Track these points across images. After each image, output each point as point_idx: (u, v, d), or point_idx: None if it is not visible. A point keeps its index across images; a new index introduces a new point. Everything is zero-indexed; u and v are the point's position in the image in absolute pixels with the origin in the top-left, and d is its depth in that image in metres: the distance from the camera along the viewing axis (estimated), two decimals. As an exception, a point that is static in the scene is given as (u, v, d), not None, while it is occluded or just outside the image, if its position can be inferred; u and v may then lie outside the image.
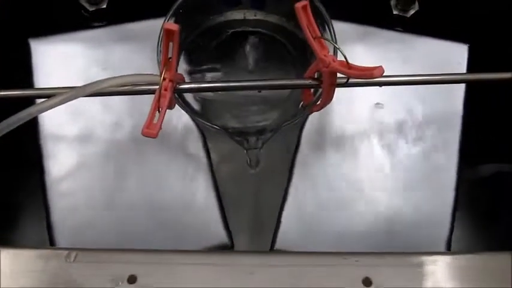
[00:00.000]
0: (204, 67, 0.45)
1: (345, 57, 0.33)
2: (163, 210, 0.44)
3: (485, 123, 0.48)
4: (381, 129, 0.46)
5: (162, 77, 0.33)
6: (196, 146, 0.45)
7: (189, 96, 0.41)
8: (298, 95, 0.41)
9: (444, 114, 0.47)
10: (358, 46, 0.49)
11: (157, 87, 0.34)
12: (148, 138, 0.32)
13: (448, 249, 0.43)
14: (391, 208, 0.44)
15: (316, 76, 0.37)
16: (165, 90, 0.34)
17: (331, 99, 0.37)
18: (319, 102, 0.38)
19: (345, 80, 0.36)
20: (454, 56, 0.49)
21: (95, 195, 0.44)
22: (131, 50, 0.48)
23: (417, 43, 0.49)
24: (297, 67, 0.44)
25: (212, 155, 0.46)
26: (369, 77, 0.32)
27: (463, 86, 0.47)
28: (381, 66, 0.32)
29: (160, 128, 0.32)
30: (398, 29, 0.50)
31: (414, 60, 0.49)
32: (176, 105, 0.38)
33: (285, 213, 0.44)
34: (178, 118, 0.45)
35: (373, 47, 0.49)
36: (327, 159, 0.45)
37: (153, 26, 0.43)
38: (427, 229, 0.44)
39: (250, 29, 0.46)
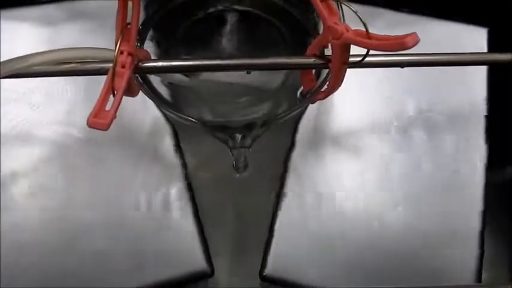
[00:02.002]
0: (176, 51, 0.36)
1: (364, 24, 0.25)
2: (125, 229, 0.35)
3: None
4: (393, 127, 0.38)
5: (117, 49, 0.24)
6: (166, 147, 0.37)
7: (157, 82, 0.32)
8: (295, 81, 0.32)
9: (464, 107, 0.39)
10: (362, 29, 0.41)
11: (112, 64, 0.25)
12: (99, 131, 0.24)
13: (479, 274, 0.35)
14: (406, 224, 0.36)
15: (321, 53, 0.28)
16: (123, 67, 0.25)
17: (340, 84, 0.28)
18: (324, 87, 0.30)
19: (360, 58, 0.27)
20: (472, 40, 0.42)
21: (36, 211, 0.34)
22: (86, 30, 0.39)
23: (429, 26, 0.42)
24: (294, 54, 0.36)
25: (187, 159, 0.37)
26: (399, 49, 0.24)
27: (484, 74, 0.40)
28: (414, 33, 0.24)
29: (115, 116, 0.23)
30: (407, 10, 0.43)
31: (427, 45, 0.41)
32: (141, 93, 0.30)
33: (276, 231, 0.36)
34: (143, 111, 0.36)
35: (380, 30, 0.41)
36: (328, 164, 0.37)
37: (113, 3, 0.35)
38: (450, 248, 0.36)
39: (234, 6, 0.38)
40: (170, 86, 0.32)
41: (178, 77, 0.31)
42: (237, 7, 0.38)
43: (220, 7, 0.38)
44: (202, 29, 0.37)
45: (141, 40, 0.34)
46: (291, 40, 0.37)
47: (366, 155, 0.37)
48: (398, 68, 0.39)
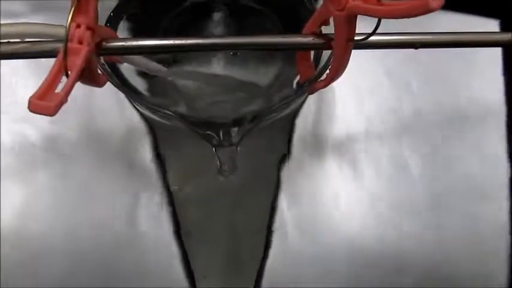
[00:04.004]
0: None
1: (374, -11, 0.21)
2: (94, 249, 0.30)
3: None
4: (406, 127, 0.34)
5: (70, 20, 0.20)
6: (144, 153, 0.32)
7: (130, 73, 0.27)
8: (290, 71, 0.28)
9: (481, 106, 0.35)
10: (368, 20, 0.38)
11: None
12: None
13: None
14: (419, 241, 0.32)
15: (321, 31, 0.24)
16: (80, 43, 0.20)
17: (345, 68, 0.24)
18: (325, 76, 0.25)
19: (366, 35, 0.23)
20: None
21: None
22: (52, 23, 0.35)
23: (438, 18, 0.38)
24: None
25: (168, 167, 0.32)
26: (420, 12, 0.19)
27: (499, 65, 0.36)
28: (438, -6, 0.19)
29: (65, 101, 0.18)
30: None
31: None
32: (114, 91, 0.25)
33: (272, 249, 0.31)
34: (117, 111, 0.31)
35: (387, 23, 0.37)
36: (332, 169, 0.32)
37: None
38: (478, 258, 0.31)
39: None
40: (145, 77, 0.27)
41: (155, 66, 0.27)
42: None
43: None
44: (185, 20, 0.33)
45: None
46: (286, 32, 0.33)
47: (373, 160, 0.33)
48: (410, 63, 0.35)
